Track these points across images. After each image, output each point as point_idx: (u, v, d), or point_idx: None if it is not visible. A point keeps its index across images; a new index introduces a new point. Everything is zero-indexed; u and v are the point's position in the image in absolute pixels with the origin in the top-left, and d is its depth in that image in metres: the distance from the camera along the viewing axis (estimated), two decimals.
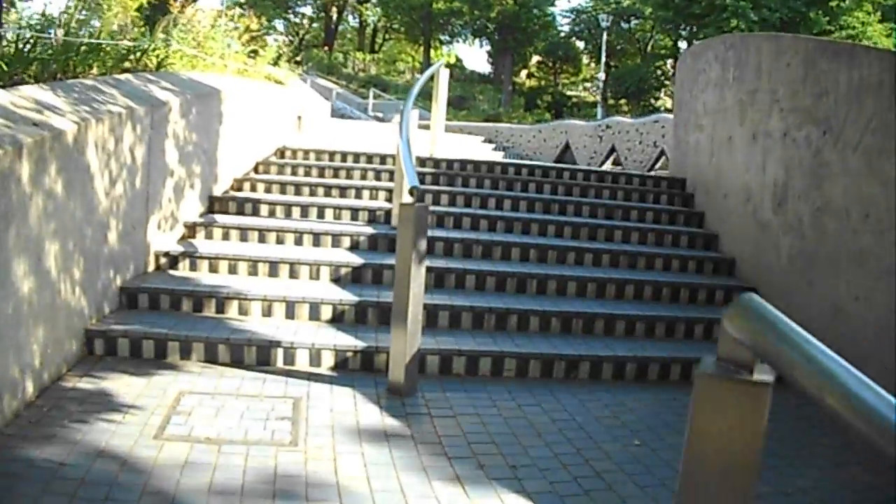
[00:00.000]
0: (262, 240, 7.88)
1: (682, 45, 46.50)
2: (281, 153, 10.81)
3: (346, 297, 6.65)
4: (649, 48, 50.08)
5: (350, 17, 64.64)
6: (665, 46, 52.33)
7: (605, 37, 40.41)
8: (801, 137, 6.84)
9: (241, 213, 8.54)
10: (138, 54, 8.38)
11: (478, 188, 9.79)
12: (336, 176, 9.95)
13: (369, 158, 10.61)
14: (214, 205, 8.54)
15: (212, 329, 5.97)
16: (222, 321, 6.24)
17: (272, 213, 8.58)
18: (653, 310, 7.19)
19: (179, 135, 7.43)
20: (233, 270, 7.14)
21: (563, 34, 52.36)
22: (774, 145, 7.33)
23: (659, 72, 45.74)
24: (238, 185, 9.28)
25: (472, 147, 20.43)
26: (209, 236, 7.86)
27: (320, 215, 8.58)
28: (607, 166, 21.07)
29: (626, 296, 7.53)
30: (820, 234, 6.44)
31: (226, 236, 7.90)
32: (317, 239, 7.88)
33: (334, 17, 60.75)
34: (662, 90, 46.55)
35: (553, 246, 8.12)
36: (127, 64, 8.02)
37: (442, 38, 57.81)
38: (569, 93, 57.89)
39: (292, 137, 11.62)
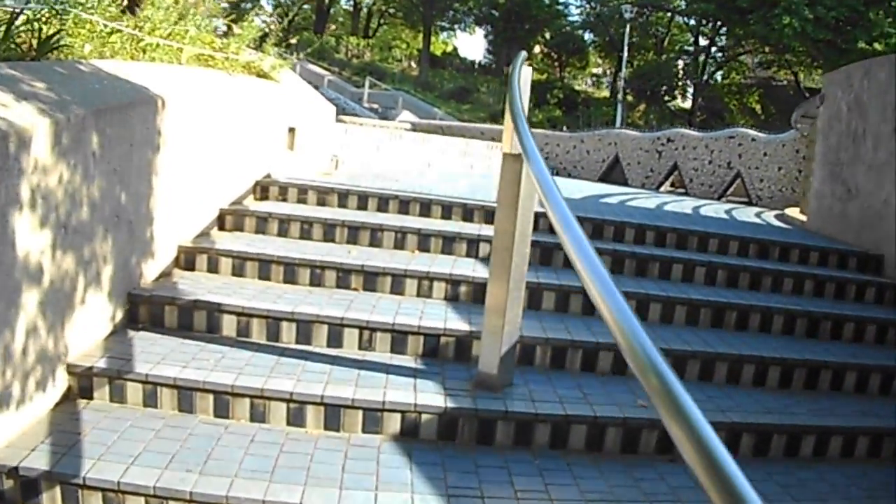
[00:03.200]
0: (221, 412, 3.97)
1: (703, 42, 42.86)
2: (262, 191, 6.91)
3: None
4: (665, 43, 46.27)
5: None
6: (684, 42, 48.65)
7: (627, 29, 36.41)
8: None
9: (185, 328, 4.65)
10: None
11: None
12: (355, 240, 6.05)
13: (425, 207, 6.75)
14: (139, 310, 4.69)
15: None
16: None
17: (243, 332, 4.65)
18: None
19: (54, 191, 3.57)
20: None
21: (573, 24, 48.35)
22: None
23: (681, 72, 41.81)
24: (187, 258, 5.40)
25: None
26: (119, 398, 3.97)
27: (333, 340, 4.66)
28: (665, 189, 17.18)
29: None
30: None
31: (152, 400, 3.98)
32: (332, 420, 3.99)
33: None
34: (676, 91, 42.60)
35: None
36: None
37: (442, 24, 53.72)
38: (576, 87, 53.97)
39: (281, 162, 7.66)
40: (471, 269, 5.61)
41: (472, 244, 6.10)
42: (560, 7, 47.66)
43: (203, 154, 5.64)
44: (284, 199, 6.91)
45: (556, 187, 3.14)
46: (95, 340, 4.30)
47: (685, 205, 12.48)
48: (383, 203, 6.82)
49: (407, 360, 4.58)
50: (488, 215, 6.73)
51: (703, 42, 42.60)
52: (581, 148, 18.10)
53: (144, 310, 4.70)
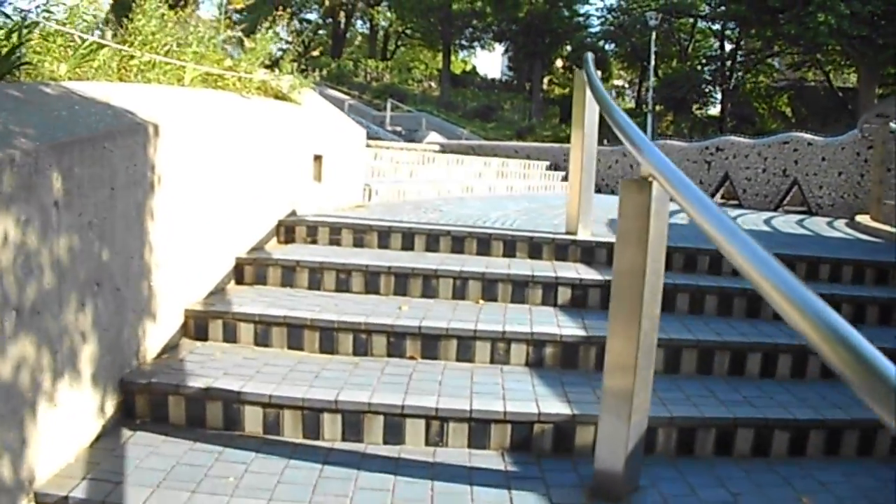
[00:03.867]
0: None
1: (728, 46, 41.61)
2: (287, 233, 5.81)
3: None
4: (689, 50, 45.01)
5: (359, 23, 59.62)
6: (708, 48, 47.40)
7: (653, 37, 35.16)
8: None
9: (197, 423, 3.62)
10: None
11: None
12: (405, 290, 4.94)
13: (483, 244, 5.67)
14: (136, 401, 3.64)
15: None
16: None
17: (272, 428, 3.55)
18: None
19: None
20: None
21: (596, 36, 47.12)
22: None
23: (709, 78, 40.51)
24: (198, 325, 4.31)
25: (542, 180, 15.38)
26: None
27: (392, 434, 3.55)
28: (716, 201, 15.94)
29: None
30: None
31: None
32: None
33: (342, 22, 55.71)
34: (704, 98, 41.28)
35: None
36: None
37: (461, 42, 52.72)
38: None
39: (308, 196, 6.55)
40: (553, 322, 4.46)
41: (549, 289, 4.95)
42: (581, 19, 46.42)
43: (212, 192, 4.54)
44: (314, 241, 5.80)
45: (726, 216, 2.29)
46: (77, 449, 3.21)
47: (753, 218, 11.30)
48: (433, 241, 5.70)
49: (491, 458, 3.42)
50: (560, 251, 5.60)
51: (728, 46, 41.41)
52: (624, 162, 16.90)
53: (142, 400, 3.59)
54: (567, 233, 5.95)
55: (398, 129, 34.59)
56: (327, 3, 49.37)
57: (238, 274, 5.04)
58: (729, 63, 38.90)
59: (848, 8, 26.12)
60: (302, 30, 56.85)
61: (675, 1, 38.37)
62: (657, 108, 36.57)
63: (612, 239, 5.54)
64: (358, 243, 5.76)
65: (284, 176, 6.01)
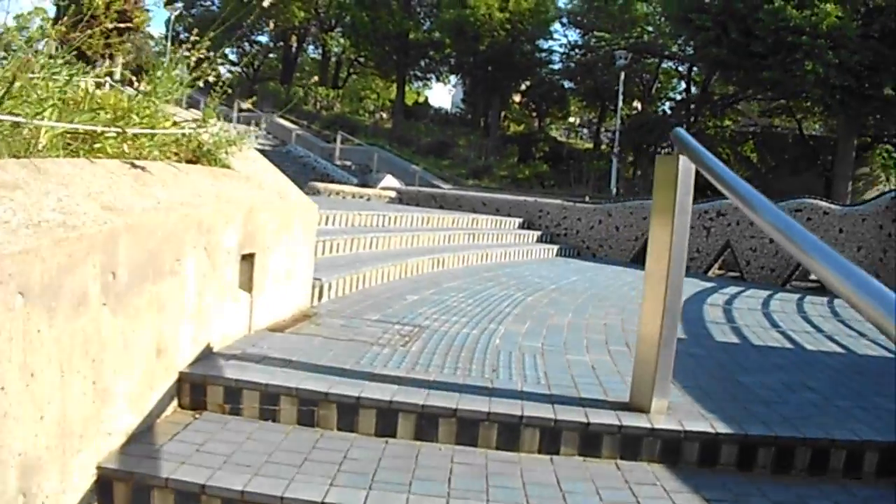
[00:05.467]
0: None
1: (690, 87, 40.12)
2: (193, 398, 3.77)
3: None
4: (653, 91, 43.42)
5: (310, 48, 57.41)
6: (672, 89, 46.01)
7: (622, 77, 33.44)
8: None
9: None
10: None
11: None
12: None
13: (510, 433, 3.69)
14: None
15: None
16: None
17: None
18: None
19: None
20: None
21: (557, 72, 45.31)
22: None
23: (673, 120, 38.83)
24: None
25: (518, 244, 13.28)
26: None
27: None
28: (714, 272, 14.04)
29: None
30: None
31: None
32: None
33: (294, 46, 53.49)
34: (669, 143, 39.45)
35: None
36: None
37: (416, 73, 50.70)
38: (558, 139, 51.05)
39: (230, 319, 4.44)
40: None
41: None
42: (543, 54, 44.71)
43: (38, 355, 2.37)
44: (237, 411, 3.66)
45: None
46: None
47: (762, 298, 9.35)
48: (426, 425, 3.56)
49: None
50: (628, 445, 3.53)
51: (694, 89, 39.96)
52: (608, 223, 14.85)
53: None
54: (634, 406, 3.85)
55: (348, 163, 32.45)
56: (279, 25, 46.97)
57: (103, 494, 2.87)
58: (693, 106, 37.31)
59: (836, 57, 24.64)
60: (253, 52, 54.62)
61: (646, 40, 36.78)
62: (618, 149, 34.73)
63: (706, 426, 3.50)
64: (306, 420, 3.61)
65: (190, 295, 3.82)
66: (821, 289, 13.03)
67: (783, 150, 36.73)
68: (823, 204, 13.12)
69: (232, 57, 55.79)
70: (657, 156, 4.06)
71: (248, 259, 4.66)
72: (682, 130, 3.89)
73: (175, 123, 5.58)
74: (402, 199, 17.49)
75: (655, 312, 3.83)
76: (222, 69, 60.37)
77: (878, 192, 31.95)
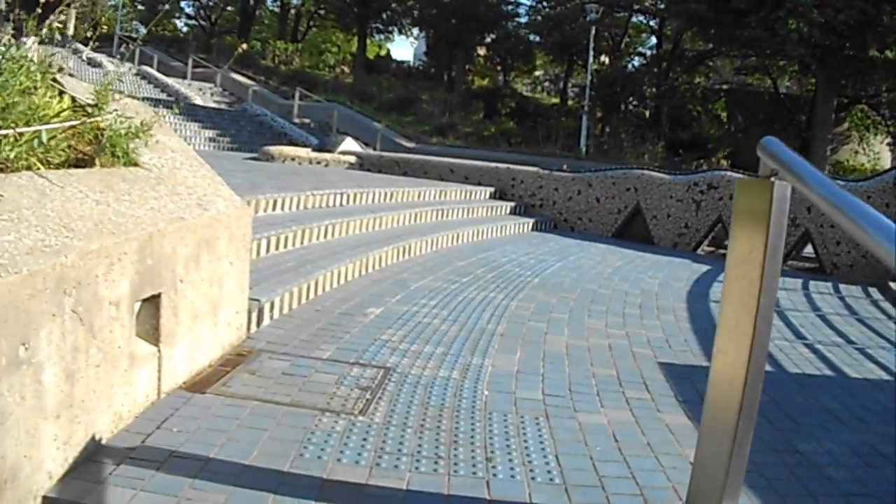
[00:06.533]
0: None
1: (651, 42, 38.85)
2: None
3: None
4: (622, 46, 42.04)
5: (269, 0, 55.35)
6: (642, 44, 44.72)
7: (593, 32, 32.11)
8: None
9: None
10: None
11: None
12: None
13: None
14: None
15: None
16: None
17: None
18: None
19: None
20: None
21: (524, 26, 43.77)
22: None
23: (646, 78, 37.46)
24: None
25: (492, 219, 12.03)
26: None
27: None
28: (704, 248, 12.94)
29: None
30: None
31: None
32: None
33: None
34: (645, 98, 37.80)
35: None
36: None
37: (378, 25, 48.92)
38: (524, 94, 49.61)
39: (126, 388, 3.18)
40: None
41: None
42: (510, 7, 43.17)
43: None
44: None
45: None
46: None
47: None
48: None
49: None
50: None
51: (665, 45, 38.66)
52: (588, 194, 13.62)
53: None
54: None
55: (307, 121, 30.93)
56: None
57: None
58: (665, 64, 36.03)
59: (821, 16, 23.50)
60: (210, 5, 52.49)
61: None
62: (585, 106, 33.38)
63: None
64: None
65: (50, 386, 2.59)
66: (817, 269, 11.99)
67: (757, 109, 35.58)
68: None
69: (188, 10, 53.91)
70: (738, 180, 2.50)
71: (151, 301, 3.41)
72: (774, 140, 2.67)
73: (74, 103, 4.32)
74: (364, 164, 16.17)
75: (730, 402, 2.63)
76: (178, 23, 57.84)
77: (850, 151, 31.17)
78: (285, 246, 6.94)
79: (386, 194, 10.76)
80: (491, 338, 5.33)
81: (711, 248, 13.14)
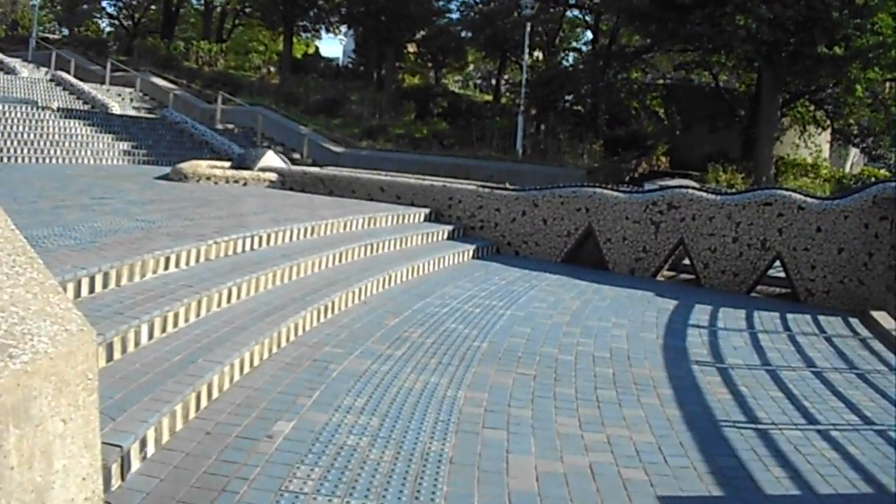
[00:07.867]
0: None
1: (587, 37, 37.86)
2: None
3: None
4: (557, 41, 40.88)
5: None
6: (576, 39, 43.74)
7: (528, 28, 30.90)
8: None
9: None
10: None
11: None
12: None
13: None
14: None
15: None
16: None
17: None
18: None
19: None
20: None
21: (453, 22, 42.43)
22: None
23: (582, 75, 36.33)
24: None
25: (429, 249, 10.62)
26: None
27: None
28: (664, 275, 11.76)
29: None
30: None
31: None
32: None
33: None
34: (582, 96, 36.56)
35: None
36: None
37: (305, 24, 47.15)
38: (456, 91, 48.36)
39: None
40: None
41: None
42: (442, 2, 41.88)
43: None
44: None
45: None
46: None
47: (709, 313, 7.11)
48: None
49: None
50: None
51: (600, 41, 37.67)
52: (534, 215, 12.28)
53: None
54: None
55: (231, 126, 29.25)
56: None
57: None
58: (602, 62, 34.95)
59: (769, 11, 22.64)
60: (133, 4, 50.28)
61: None
62: (521, 103, 32.16)
63: None
64: None
65: None
66: (788, 295, 10.88)
67: (697, 104, 34.66)
68: (798, 197, 10.84)
69: (110, 10, 51.69)
70: None
71: None
72: None
73: None
74: (286, 182, 14.71)
75: None
76: (102, 23, 55.36)
77: (791, 145, 30.35)
78: (174, 325, 5.50)
79: (306, 230, 9.35)
80: (438, 468, 4.00)
81: (672, 274, 11.97)
